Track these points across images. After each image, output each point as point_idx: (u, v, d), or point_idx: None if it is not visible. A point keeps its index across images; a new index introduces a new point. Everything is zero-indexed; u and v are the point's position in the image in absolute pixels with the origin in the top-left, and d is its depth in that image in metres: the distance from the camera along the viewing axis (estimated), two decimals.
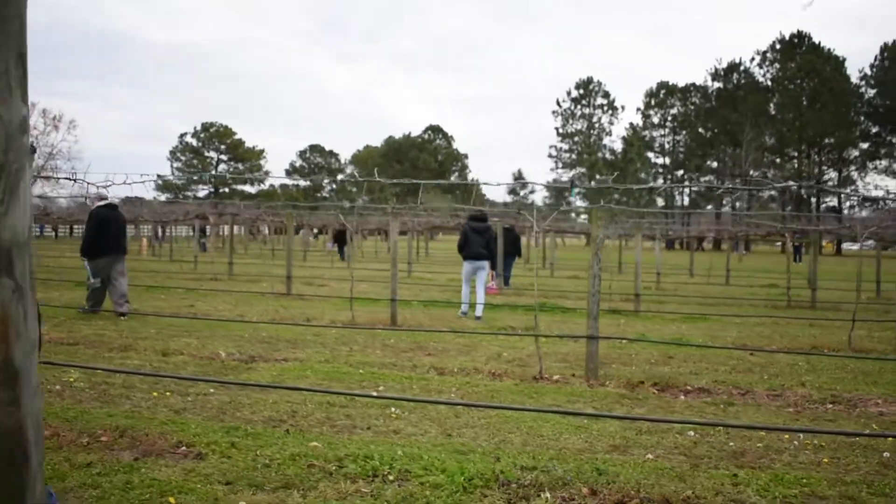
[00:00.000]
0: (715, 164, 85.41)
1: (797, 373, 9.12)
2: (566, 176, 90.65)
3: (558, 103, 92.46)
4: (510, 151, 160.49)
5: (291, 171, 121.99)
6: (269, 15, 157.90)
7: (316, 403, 6.69)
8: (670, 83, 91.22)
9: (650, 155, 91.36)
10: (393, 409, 6.54)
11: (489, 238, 14.27)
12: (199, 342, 10.01)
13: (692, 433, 6.06)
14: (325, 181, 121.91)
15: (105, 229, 12.59)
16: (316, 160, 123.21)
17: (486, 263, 14.11)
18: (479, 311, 13.92)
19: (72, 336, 10.09)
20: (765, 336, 12.67)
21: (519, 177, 75.82)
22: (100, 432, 5.45)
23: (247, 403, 6.65)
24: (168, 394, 6.92)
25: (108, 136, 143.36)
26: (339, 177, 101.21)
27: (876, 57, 74.54)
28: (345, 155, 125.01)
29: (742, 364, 9.62)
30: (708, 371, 9.10)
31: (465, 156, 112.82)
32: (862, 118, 75.12)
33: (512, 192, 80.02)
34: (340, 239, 37.81)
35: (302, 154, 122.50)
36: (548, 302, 16.49)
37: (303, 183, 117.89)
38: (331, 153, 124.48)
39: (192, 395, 6.93)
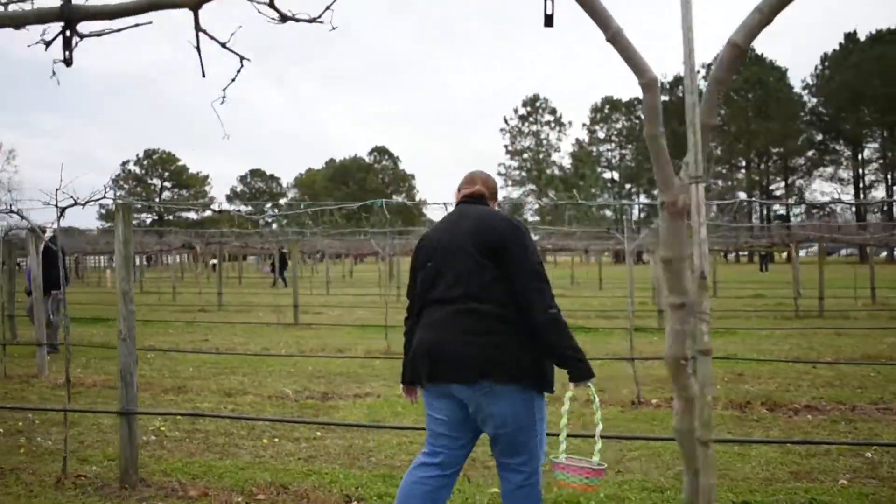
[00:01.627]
0: None
1: (878, 384, 8.91)
2: (516, 193, 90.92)
3: (506, 121, 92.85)
4: (457, 170, 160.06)
5: (233, 197, 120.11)
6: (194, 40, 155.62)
7: None
8: (615, 98, 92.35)
9: (598, 170, 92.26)
10: None
11: None
12: (252, 380, 9.44)
13: (869, 454, 5.74)
14: (267, 206, 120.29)
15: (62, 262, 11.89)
16: (257, 185, 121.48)
17: None
18: None
19: (107, 379, 9.41)
20: (804, 347, 12.47)
21: None
22: (253, 490, 4.92)
23: (370, 446, 6.16)
24: (276, 439, 6.39)
25: (37, 166, 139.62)
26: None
27: (817, 66, 76.58)
28: (286, 179, 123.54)
29: (818, 378, 9.36)
30: (795, 387, 8.82)
31: (412, 176, 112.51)
32: (805, 126, 76.88)
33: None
34: (281, 263, 36.66)
35: (243, 179, 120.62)
36: (575, 323, 16.15)
37: (244, 208, 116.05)
38: (272, 177, 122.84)
39: (301, 439, 6.42)
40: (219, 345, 13.19)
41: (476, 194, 3.71)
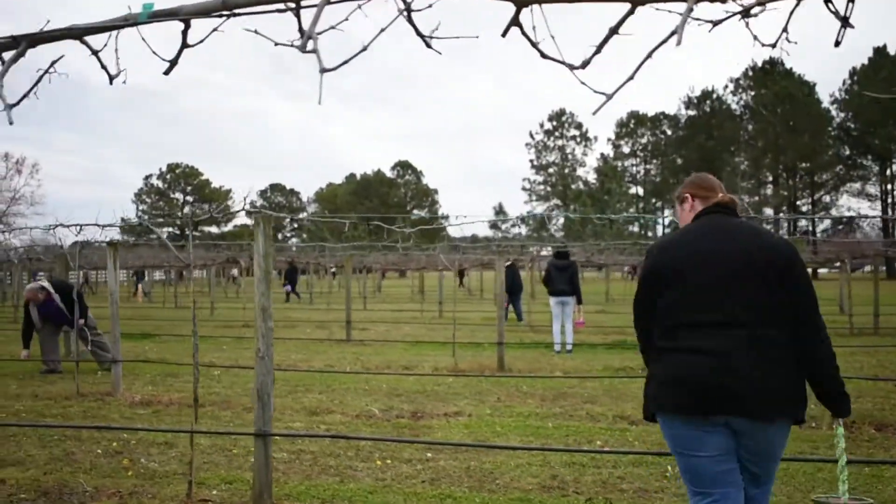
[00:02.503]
0: None
1: None
2: (540, 208, 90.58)
3: (531, 135, 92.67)
4: (479, 185, 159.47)
5: (251, 212, 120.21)
6: (215, 56, 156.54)
7: (570, 464, 5.99)
8: (640, 113, 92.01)
9: (613, 186, 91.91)
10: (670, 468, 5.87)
11: (571, 274, 14.25)
12: (329, 398, 9.23)
13: None
14: (287, 220, 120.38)
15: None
16: (277, 199, 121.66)
17: (571, 299, 14.02)
18: (569, 346, 14.18)
19: (183, 397, 9.21)
20: (875, 365, 12.19)
21: (500, 210, 75.54)
22: None
23: (488, 468, 5.92)
24: (388, 461, 6.17)
25: (54, 181, 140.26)
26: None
27: (845, 81, 75.97)
28: (306, 193, 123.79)
29: None
30: (890, 406, 8.53)
31: (435, 191, 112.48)
32: (833, 142, 76.13)
33: (493, 226, 79.76)
34: (292, 277, 35.85)
35: (263, 193, 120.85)
36: (627, 339, 15.87)
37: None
38: (292, 192, 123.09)
39: (413, 460, 6.20)
40: (278, 361, 12.96)
41: (729, 204, 3.35)
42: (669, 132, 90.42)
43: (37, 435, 7.06)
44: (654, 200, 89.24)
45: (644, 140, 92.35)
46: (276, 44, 2.02)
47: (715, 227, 3.27)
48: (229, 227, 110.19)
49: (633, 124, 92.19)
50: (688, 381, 3.04)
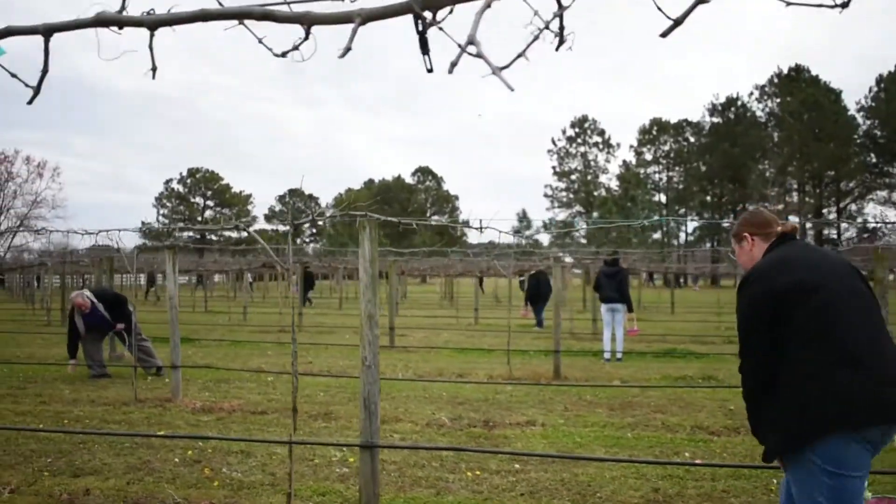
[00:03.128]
0: (716, 199, 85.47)
1: None
2: (563, 215, 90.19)
3: (553, 142, 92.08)
4: (496, 192, 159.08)
5: (271, 216, 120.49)
6: (229, 61, 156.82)
7: (666, 477, 5.75)
8: (662, 119, 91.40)
9: (637, 193, 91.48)
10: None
11: (620, 281, 13.99)
12: (392, 405, 9.00)
13: None
14: (306, 225, 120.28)
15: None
16: (295, 204, 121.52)
17: (621, 306, 13.77)
18: (619, 355, 14.04)
19: (243, 403, 9.02)
20: None
21: (523, 217, 75.15)
22: None
23: (584, 480, 5.69)
24: (478, 472, 5.95)
25: (69, 185, 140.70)
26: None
27: (871, 88, 75.30)
28: (324, 199, 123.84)
29: None
30: None
31: (456, 197, 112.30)
32: (859, 149, 75.40)
33: (517, 232, 78.98)
34: (308, 282, 35.60)
35: (281, 199, 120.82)
36: (677, 348, 15.61)
37: (281, 228, 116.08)
38: (310, 197, 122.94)
39: (501, 471, 6.02)
40: (327, 367, 12.79)
41: (794, 232, 3.48)
42: (692, 139, 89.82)
43: (106, 442, 6.88)
44: (677, 207, 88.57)
45: (667, 147, 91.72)
46: (425, 51, 1.81)
47: (806, 249, 3.39)
48: (245, 233, 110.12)
49: (655, 131, 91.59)
50: (859, 394, 2.97)
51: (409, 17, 1.80)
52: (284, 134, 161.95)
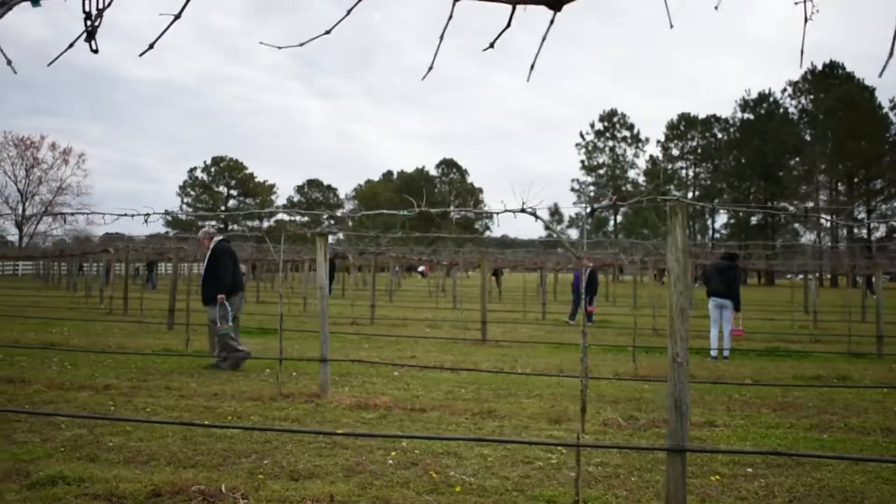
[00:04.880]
0: (744, 196, 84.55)
1: None
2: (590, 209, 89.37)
3: (582, 136, 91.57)
4: (513, 185, 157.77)
5: (290, 207, 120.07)
6: (245, 52, 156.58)
7: None
8: (691, 115, 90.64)
9: (671, 187, 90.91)
10: None
11: (731, 277, 13.63)
12: (548, 404, 8.62)
13: None
14: (324, 216, 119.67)
15: (236, 264, 11.54)
16: (314, 195, 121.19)
17: (728, 302, 13.36)
18: (725, 353, 13.66)
19: (389, 400, 8.65)
20: None
21: (556, 211, 74.46)
22: None
23: (850, 488, 5.31)
24: (716, 477, 5.57)
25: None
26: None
27: None
28: (343, 190, 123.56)
29: None
30: None
31: (480, 189, 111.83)
32: (890, 147, 74.49)
33: (547, 227, 78.01)
34: (330, 273, 35.18)
35: (300, 189, 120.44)
36: (780, 347, 15.23)
37: (299, 218, 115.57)
38: (329, 188, 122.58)
39: (739, 476, 5.60)
40: (431, 361, 12.37)
41: None
42: (720, 135, 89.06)
43: (292, 441, 6.53)
44: (700, 205, 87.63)
45: (694, 142, 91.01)
46: None
47: None
48: (271, 221, 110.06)
49: (683, 126, 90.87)
50: None
51: None
52: (297, 125, 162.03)
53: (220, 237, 11.62)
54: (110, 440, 6.46)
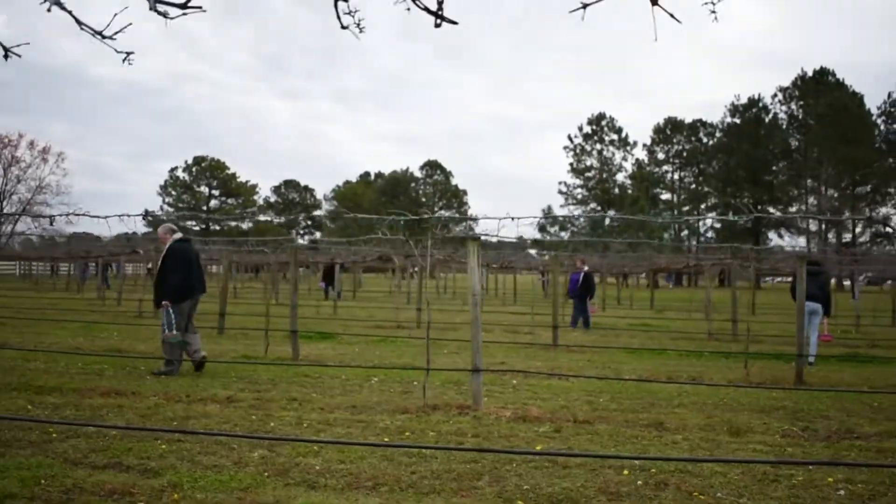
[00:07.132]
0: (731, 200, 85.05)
1: None
2: (577, 212, 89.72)
3: (570, 139, 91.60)
4: (510, 189, 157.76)
5: (266, 208, 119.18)
6: (210, 52, 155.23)
7: None
8: (677, 119, 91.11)
9: (657, 191, 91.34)
10: None
11: (823, 281, 13.44)
12: (671, 414, 8.31)
13: None
14: (301, 217, 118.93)
15: (190, 266, 11.06)
16: (291, 196, 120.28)
17: (820, 307, 13.19)
18: (811, 358, 13.29)
19: (546, 411, 8.32)
20: None
21: (548, 213, 74.28)
22: None
23: None
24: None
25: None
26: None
27: (891, 93, 75.34)
28: (320, 191, 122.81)
29: None
30: None
31: (465, 192, 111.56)
32: (876, 152, 75.22)
33: (542, 229, 78.28)
34: (329, 276, 35.22)
35: (276, 189, 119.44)
36: (860, 352, 15.07)
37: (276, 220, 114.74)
38: (306, 188, 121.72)
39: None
40: (531, 368, 12.00)
41: None
42: (706, 139, 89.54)
43: (499, 459, 6.18)
44: (686, 208, 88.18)
45: (679, 147, 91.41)
46: None
47: None
48: (249, 223, 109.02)
49: (669, 130, 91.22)
50: None
51: None
52: (265, 125, 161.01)
53: (179, 235, 11.23)
54: (303, 461, 6.07)
